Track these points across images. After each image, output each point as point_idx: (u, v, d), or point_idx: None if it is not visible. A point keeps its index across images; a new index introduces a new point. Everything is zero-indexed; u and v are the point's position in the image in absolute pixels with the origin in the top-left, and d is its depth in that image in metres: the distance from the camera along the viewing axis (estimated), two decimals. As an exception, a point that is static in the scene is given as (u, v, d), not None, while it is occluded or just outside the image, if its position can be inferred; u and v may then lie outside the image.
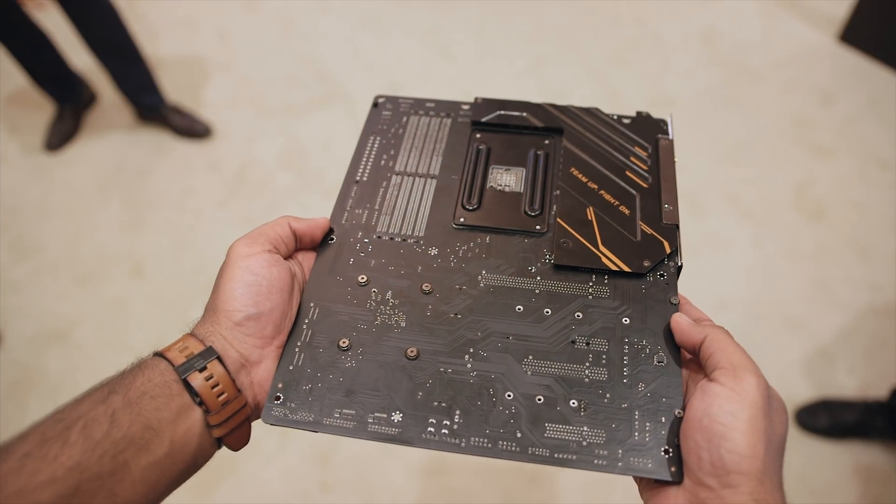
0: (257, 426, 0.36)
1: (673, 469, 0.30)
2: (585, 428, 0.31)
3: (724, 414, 0.28)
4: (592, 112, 0.47)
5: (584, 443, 0.31)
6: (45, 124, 1.82)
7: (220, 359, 0.32)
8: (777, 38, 2.04)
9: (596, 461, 0.30)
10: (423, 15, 2.18)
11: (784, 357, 1.31)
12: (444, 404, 0.33)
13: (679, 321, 0.34)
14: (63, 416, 0.28)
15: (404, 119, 0.48)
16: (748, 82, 1.90)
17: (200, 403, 0.31)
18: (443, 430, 0.32)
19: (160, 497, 0.30)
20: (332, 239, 0.41)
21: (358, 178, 0.45)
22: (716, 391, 0.29)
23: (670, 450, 0.30)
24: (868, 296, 1.41)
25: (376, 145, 0.47)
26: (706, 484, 0.28)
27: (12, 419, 1.29)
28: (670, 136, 0.44)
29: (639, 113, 0.46)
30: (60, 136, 1.78)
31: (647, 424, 0.31)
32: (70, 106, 1.79)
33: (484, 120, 0.47)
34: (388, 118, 0.49)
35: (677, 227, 0.39)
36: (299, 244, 0.39)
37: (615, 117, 0.46)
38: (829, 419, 1.20)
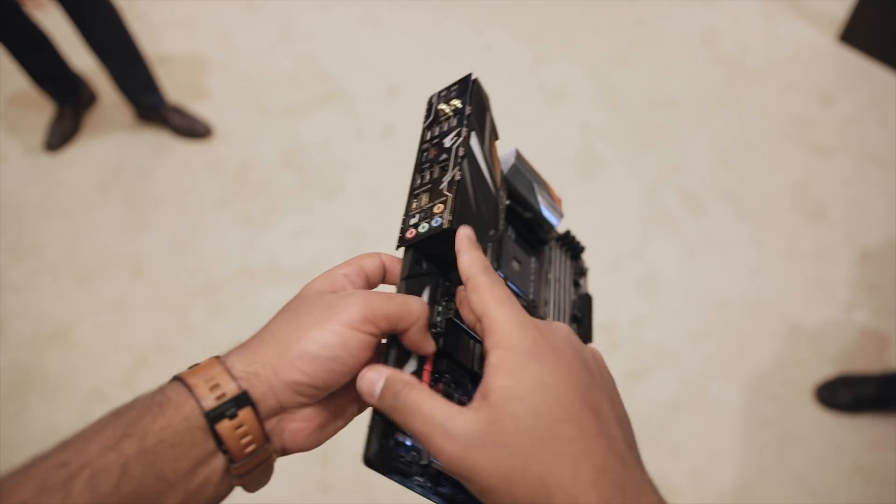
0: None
1: None
2: None
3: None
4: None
5: None
6: (45, 124, 1.82)
7: (254, 406, 0.28)
8: (777, 38, 2.04)
9: None
10: (423, 15, 2.18)
11: (783, 357, 1.31)
12: None
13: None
14: (67, 458, 0.25)
15: None
16: (748, 82, 1.90)
17: (225, 452, 0.28)
18: None
19: None
20: None
21: None
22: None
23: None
24: (868, 296, 1.41)
25: None
26: None
27: (12, 419, 1.29)
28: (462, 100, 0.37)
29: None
30: (60, 136, 1.78)
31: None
32: (70, 106, 1.79)
33: None
34: None
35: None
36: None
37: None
38: (849, 394, 1.22)
